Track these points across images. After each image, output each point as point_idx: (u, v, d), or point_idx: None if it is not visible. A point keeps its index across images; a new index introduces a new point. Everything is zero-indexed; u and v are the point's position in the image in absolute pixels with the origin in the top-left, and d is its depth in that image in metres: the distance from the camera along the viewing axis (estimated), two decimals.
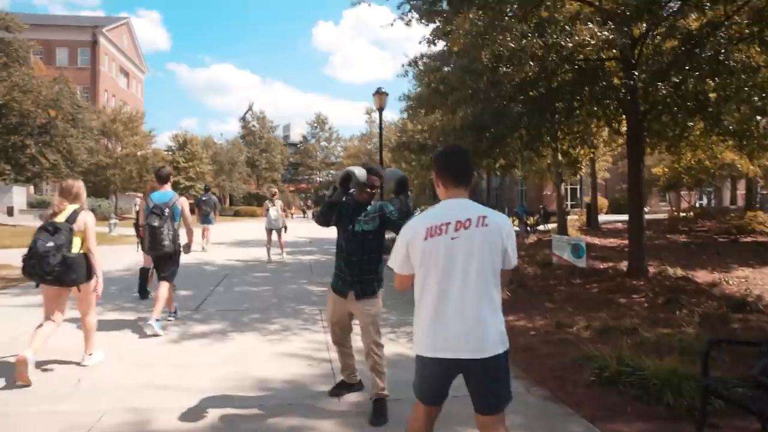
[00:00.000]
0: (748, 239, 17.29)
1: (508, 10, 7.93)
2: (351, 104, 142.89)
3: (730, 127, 9.51)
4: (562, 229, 18.80)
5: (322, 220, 3.75)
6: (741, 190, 27.75)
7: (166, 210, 6.12)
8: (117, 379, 4.52)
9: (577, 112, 9.29)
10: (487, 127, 8.11)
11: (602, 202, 37.05)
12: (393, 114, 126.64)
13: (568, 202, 39.68)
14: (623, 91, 8.27)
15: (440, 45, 11.36)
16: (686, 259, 12.36)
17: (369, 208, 3.84)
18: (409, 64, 10.99)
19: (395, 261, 2.45)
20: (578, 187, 40.91)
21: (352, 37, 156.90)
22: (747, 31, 8.00)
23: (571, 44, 6.31)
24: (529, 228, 23.23)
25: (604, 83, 8.04)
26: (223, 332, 6.15)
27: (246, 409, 3.92)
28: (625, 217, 31.22)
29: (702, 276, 10.24)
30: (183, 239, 6.53)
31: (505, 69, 7.32)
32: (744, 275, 10.32)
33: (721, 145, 11.01)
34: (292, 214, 44.64)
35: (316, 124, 60.69)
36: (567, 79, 8.04)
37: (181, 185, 39.44)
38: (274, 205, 12.34)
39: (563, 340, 5.85)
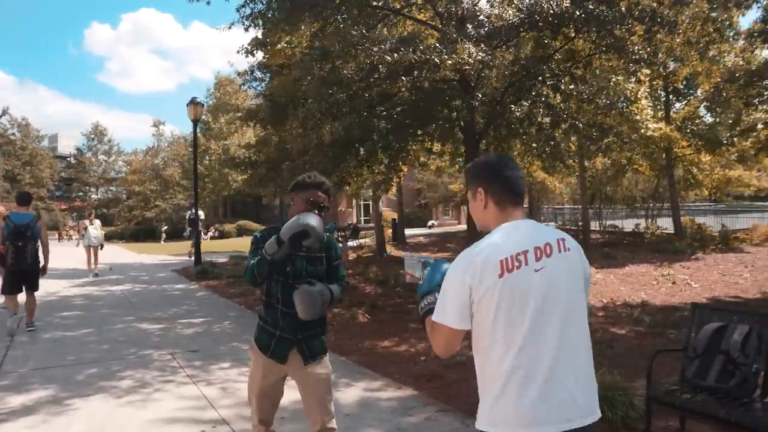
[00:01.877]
0: None
1: (350, 22, 7.75)
2: (131, 116, 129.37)
3: (547, 149, 10.65)
4: (381, 245, 19.27)
5: (258, 281, 2.70)
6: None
7: (28, 231, 6.75)
8: None
9: (421, 130, 9.47)
10: (353, 142, 7.73)
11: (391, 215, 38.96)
12: (182, 128, 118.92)
13: (362, 218, 41.11)
14: (466, 111, 8.62)
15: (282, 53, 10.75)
16: None
17: None
18: (244, 74, 10.11)
19: (447, 312, 1.75)
20: (370, 203, 42.52)
21: (131, 43, 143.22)
22: (566, 65, 9.01)
23: (450, 61, 6.32)
24: (341, 244, 23.42)
25: (456, 103, 8.30)
26: (56, 401, 4.64)
27: None
28: (420, 230, 33.13)
29: None
30: None
31: (374, 82, 7.06)
32: None
33: (534, 164, 12.29)
34: (69, 236, 38.41)
35: (93, 136, 53.53)
36: (426, 97, 8.10)
37: None
38: (92, 224, 13.53)
39: (460, 362, 5.69)
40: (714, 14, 8.45)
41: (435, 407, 4.45)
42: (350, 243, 24.15)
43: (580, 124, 8.61)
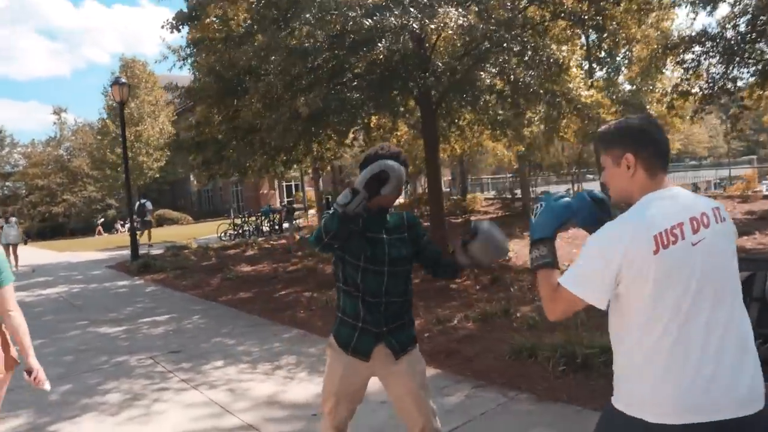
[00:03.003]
0: (474, 218, 20.21)
1: None
2: (17, 104, 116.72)
3: (498, 118, 10.69)
4: None
5: (324, 240, 2.21)
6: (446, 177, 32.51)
7: None
8: None
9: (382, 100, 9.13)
10: (328, 114, 7.25)
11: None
12: (88, 114, 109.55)
13: (285, 199, 40.23)
14: (433, 78, 8.38)
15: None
16: (450, 239, 13.57)
17: (389, 218, 2.48)
18: (185, 51, 9.30)
19: (582, 283, 1.59)
20: (292, 183, 41.38)
21: (11, 21, 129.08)
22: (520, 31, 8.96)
23: (433, 26, 6.00)
24: (277, 227, 22.70)
25: (416, 72, 8.01)
26: (37, 429, 4.00)
27: None
28: None
29: None
30: None
31: (344, 51, 6.63)
32: (511, 248, 11.75)
33: (485, 134, 12.37)
34: None
35: None
36: (391, 65, 7.74)
37: None
38: (8, 223, 14.02)
39: (468, 336, 5.55)
40: None
41: (468, 384, 4.29)
42: (285, 225, 23.51)
43: (541, 91, 8.67)
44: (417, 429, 2.45)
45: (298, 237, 18.79)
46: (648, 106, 16.97)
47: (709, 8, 9.16)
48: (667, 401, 1.52)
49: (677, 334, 1.52)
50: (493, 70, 8.35)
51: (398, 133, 15.19)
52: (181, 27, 10.63)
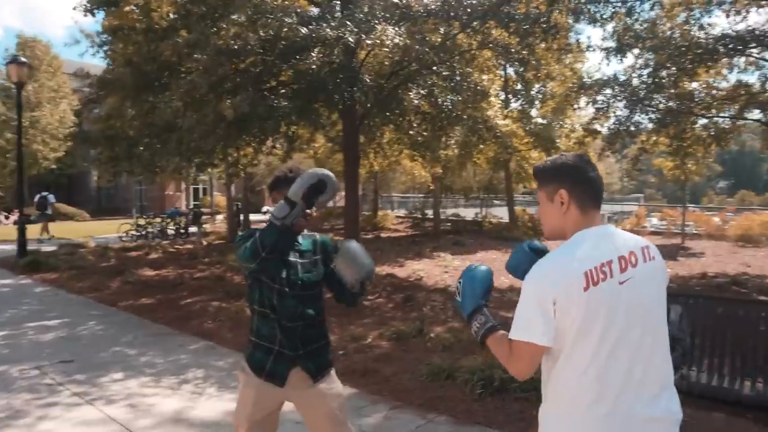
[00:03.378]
0: (384, 235, 20.36)
1: None
2: None
3: (419, 139, 10.92)
4: (233, 232, 18.28)
5: (260, 254, 2.15)
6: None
7: None
8: None
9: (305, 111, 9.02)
10: (254, 119, 6.97)
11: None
12: None
13: (192, 202, 38.60)
14: (360, 93, 8.41)
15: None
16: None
17: (302, 240, 2.45)
18: (100, 38, 8.64)
19: (532, 328, 1.57)
20: (200, 187, 39.67)
21: None
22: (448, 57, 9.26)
23: (369, 41, 5.98)
24: (183, 231, 21.66)
25: (349, 87, 8.00)
26: None
27: None
28: (259, 216, 32.62)
29: (390, 270, 11.36)
30: None
31: (276, 57, 6.44)
32: (419, 267, 11.91)
33: (404, 153, 12.56)
34: None
35: None
36: (320, 77, 7.64)
37: None
38: None
39: (384, 354, 5.52)
40: (578, 26, 9.35)
41: (385, 405, 4.25)
42: (192, 229, 22.48)
43: (465, 116, 8.95)
44: None
45: (205, 242, 18.05)
46: (557, 140, 18.02)
47: (619, 57, 9.92)
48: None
49: (599, 370, 1.56)
50: (422, 92, 8.52)
51: (316, 145, 15.08)
52: (96, 11, 10.05)
